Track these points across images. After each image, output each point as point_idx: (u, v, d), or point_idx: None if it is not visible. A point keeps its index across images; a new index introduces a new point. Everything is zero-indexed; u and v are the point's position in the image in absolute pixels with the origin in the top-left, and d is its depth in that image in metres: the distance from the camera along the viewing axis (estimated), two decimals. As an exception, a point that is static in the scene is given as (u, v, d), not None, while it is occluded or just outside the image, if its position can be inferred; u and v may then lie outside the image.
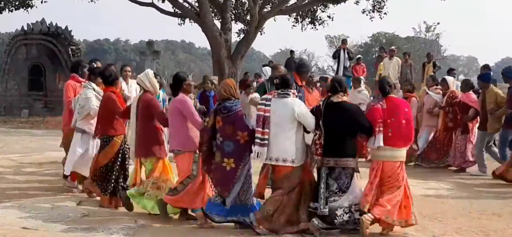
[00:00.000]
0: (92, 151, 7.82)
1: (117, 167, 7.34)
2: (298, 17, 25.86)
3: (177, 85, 6.79)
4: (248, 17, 24.57)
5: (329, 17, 25.62)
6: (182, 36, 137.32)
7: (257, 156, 6.20)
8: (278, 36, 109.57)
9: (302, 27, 26.22)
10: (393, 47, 19.93)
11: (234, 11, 25.32)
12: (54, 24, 24.39)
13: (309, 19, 25.86)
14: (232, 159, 6.27)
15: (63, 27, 24.54)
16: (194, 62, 74.73)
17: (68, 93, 8.31)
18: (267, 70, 12.20)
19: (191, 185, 6.50)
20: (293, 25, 26.23)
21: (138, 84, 7.25)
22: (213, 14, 22.96)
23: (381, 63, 18.50)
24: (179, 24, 25.51)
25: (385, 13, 24.35)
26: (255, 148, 6.22)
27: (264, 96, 6.51)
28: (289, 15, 25.46)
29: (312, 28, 26.14)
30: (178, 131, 6.65)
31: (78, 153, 7.83)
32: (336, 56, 19.28)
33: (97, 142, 7.70)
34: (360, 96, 12.22)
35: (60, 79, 7.39)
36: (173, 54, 79.37)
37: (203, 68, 67.11)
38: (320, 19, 25.83)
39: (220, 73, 19.97)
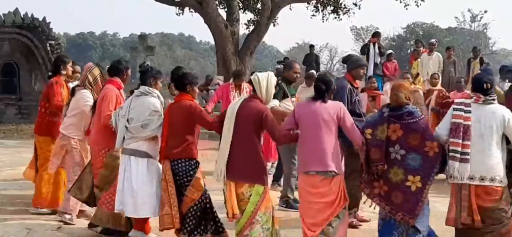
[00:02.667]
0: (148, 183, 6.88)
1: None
2: (319, 5, 25.89)
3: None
4: (259, 6, 24.62)
5: (355, 4, 25.68)
6: (181, 29, 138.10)
7: (454, 172, 5.96)
8: (294, 28, 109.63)
9: (323, 17, 26.26)
10: (433, 40, 19.81)
11: (242, -1, 25.38)
12: (29, 15, 24.47)
13: (332, 8, 25.88)
14: (419, 176, 5.98)
15: (40, 19, 24.63)
16: (194, 59, 74.88)
17: (109, 105, 7.20)
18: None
19: None
20: (313, 15, 26.28)
21: (250, 82, 6.49)
22: (217, 2, 23.03)
23: (417, 59, 18.41)
24: (177, 14, 25.60)
25: (422, 0, 24.31)
26: (452, 163, 5.96)
27: (461, 101, 6.29)
28: (308, 3, 25.47)
29: (335, 18, 26.17)
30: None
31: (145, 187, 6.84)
32: (364, 51, 19.15)
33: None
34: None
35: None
36: (169, 49, 79.57)
37: (206, 66, 67.41)
38: (345, 8, 25.86)
39: (226, 71, 20.03)
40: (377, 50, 18.59)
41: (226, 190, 6.18)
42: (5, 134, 19.94)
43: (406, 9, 24.61)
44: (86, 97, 7.70)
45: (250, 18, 26.39)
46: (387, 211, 6.08)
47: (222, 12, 22.59)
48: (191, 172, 6.48)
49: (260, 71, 6.70)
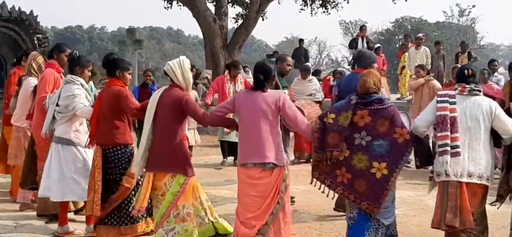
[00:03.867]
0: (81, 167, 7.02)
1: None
2: (307, -1, 25.90)
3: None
4: (247, 0, 24.61)
5: (344, -1, 25.66)
6: (169, 23, 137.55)
7: (447, 167, 5.57)
8: (283, 22, 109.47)
9: (311, 11, 26.27)
10: (420, 34, 19.89)
11: (231, -7, 25.35)
12: (16, 8, 24.36)
13: (320, 2, 25.89)
14: (385, 163, 5.63)
15: (28, 12, 24.52)
16: (183, 53, 74.41)
17: (46, 86, 7.38)
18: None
19: None
20: (301, 9, 26.28)
21: (165, 73, 6.37)
22: (206, -4, 23.00)
23: (405, 53, 18.51)
24: (165, 8, 25.56)
25: (410, -6, 24.39)
26: (443, 158, 5.59)
27: (445, 92, 5.93)
28: (296, -3, 25.50)
29: (324, 12, 26.19)
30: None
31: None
32: (353, 45, 19.32)
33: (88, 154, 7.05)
34: (311, 87, 12.86)
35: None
36: (158, 43, 79.41)
37: (194, 59, 67.14)
38: (333, 2, 25.87)
39: (214, 65, 20.06)
40: (365, 45, 18.72)
41: (144, 181, 6.10)
42: (-7, 128, 19.82)
43: (395, 3, 24.65)
44: (32, 83, 7.97)
45: (239, 12, 26.39)
46: (351, 200, 5.73)
47: (211, 6, 22.57)
48: (126, 159, 6.60)
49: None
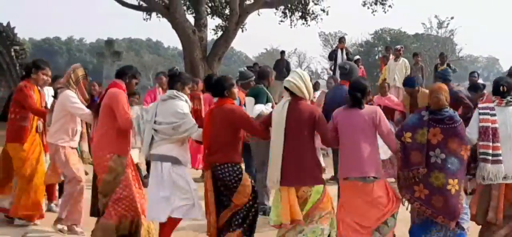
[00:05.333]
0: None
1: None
2: (287, 11, 26.05)
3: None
4: (227, 11, 24.66)
5: (323, 10, 25.89)
6: (148, 34, 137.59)
7: (487, 173, 6.19)
8: (262, 34, 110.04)
9: (291, 22, 26.41)
10: (398, 46, 20.00)
11: (210, 4, 25.38)
12: (-7, 20, 24.16)
13: (300, 13, 26.04)
14: (457, 179, 6.04)
15: (5, 24, 24.35)
16: (162, 65, 74.37)
17: (126, 108, 6.83)
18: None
19: None
20: (281, 21, 26.40)
21: (286, 88, 6.28)
22: (185, 8, 23.01)
23: (386, 65, 18.60)
24: (144, 19, 25.54)
25: (389, 6, 24.65)
26: (483, 165, 6.19)
27: (485, 105, 6.48)
28: (276, 9, 25.59)
29: (303, 24, 26.33)
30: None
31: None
32: (332, 57, 19.36)
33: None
34: None
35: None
36: (137, 54, 79.22)
37: (174, 72, 67.06)
38: (313, 13, 26.03)
39: (194, 77, 19.94)
40: (344, 56, 18.76)
41: (281, 197, 6.06)
42: (-32, 141, 19.60)
43: (374, 15, 24.86)
44: (72, 97, 7.28)
45: (218, 24, 26.43)
46: (427, 214, 6.09)
47: (190, 18, 22.57)
48: (236, 178, 6.32)
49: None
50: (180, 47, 23.95)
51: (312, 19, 26.06)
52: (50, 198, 8.55)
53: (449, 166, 6.00)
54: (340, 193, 6.36)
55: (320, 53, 74.12)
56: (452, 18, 58.81)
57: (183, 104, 6.63)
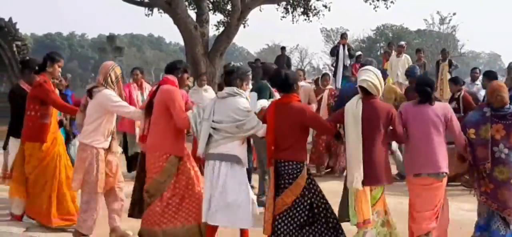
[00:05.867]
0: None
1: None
2: (289, 6, 25.96)
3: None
4: (229, 7, 24.61)
5: (325, 6, 25.77)
6: (150, 30, 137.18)
7: None
8: (264, 30, 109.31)
9: (293, 18, 26.33)
10: (402, 42, 19.99)
11: (212, 0, 25.33)
12: (-5, 15, 24.22)
13: (302, 9, 25.95)
14: None
15: (6, 19, 24.36)
16: (164, 60, 74.32)
17: (182, 107, 6.68)
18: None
19: None
20: (283, 17, 26.34)
21: (361, 86, 6.21)
22: (187, 3, 22.97)
23: (388, 61, 18.58)
24: (146, 15, 25.51)
25: (391, 2, 24.54)
26: None
27: None
28: (278, 4, 25.54)
29: (305, 19, 26.25)
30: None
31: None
32: (334, 53, 19.32)
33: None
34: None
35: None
36: (139, 50, 79.30)
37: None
38: (315, 9, 25.95)
39: (196, 73, 19.93)
40: (346, 52, 18.73)
41: (359, 196, 6.08)
42: (-30, 137, 19.62)
43: (376, 11, 24.93)
44: (113, 96, 6.93)
45: (220, 19, 26.40)
46: (494, 208, 6.27)
47: (192, 13, 22.52)
48: (294, 175, 6.14)
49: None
50: (182, 42, 23.92)
51: (314, 15, 26.00)
52: None
53: (511, 160, 6.23)
54: (409, 188, 6.41)
55: (322, 49, 74.17)
56: (454, 14, 58.52)
57: (245, 101, 6.52)
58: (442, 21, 52.75)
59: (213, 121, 6.38)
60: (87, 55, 73.28)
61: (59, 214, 7.51)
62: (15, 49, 23.92)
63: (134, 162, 10.87)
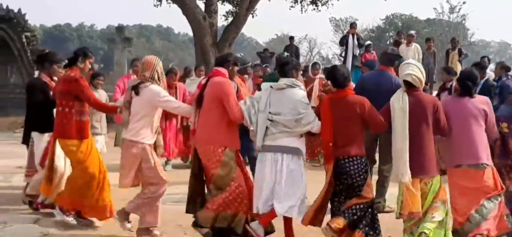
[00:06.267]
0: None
1: None
2: (298, -4, 25.88)
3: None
4: (237, -3, 24.56)
5: (334, -4, 25.68)
6: (159, 20, 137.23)
7: None
8: (273, 20, 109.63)
9: (302, 8, 26.23)
10: (412, 31, 19.95)
11: (220, -10, 25.29)
12: (4, 7, 24.25)
13: (311, -1, 25.89)
14: None
15: (16, 10, 24.40)
16: (173, 51, 74.63)
17: (235, 99, 6.58)
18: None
19: None
20: (291, 6, 26.24)
21: (406, 80, 6.21)
22: (195, -7, 22.93)
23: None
24: (154, 5, 25.44)
25: (401, -9, 24.40)
26: None
27: None
28: (287, -6, 25.48)
29: (314, 9, 26.15)
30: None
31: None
32: (343, 42, 19.32)
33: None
34: None
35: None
36: (148, 41, 79.23)
37: (184, 57, 67.16)
38: (324, -1, 25.87)
39: (205, 63, 19.96)
40: (355, 42, 18.73)
41: (408, 188, 6.05)
42: (-20, 127, 19.73)
43: (385, 0, 24.70)
44: (161, 92, 6.79)
45: (229, 10, 26.32)
46: None
47: (201, 4, 22.48)
48: (364, 170, 6.16)
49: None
50: (190, 33, 23.91)
51: (323, 5, 25.89)
52: None
53: None
54: (449, 180, 6.43)
55: (331, 39, 74.01)
56: (464, 2, 58.23)
57: (304, 93, 6.42)
58: (451, 10, 52.45)
59: (269, 113, 6.28)
60: (96, 46, 73.16)
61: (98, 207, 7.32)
62: (24, 40, 23.94)
63: None
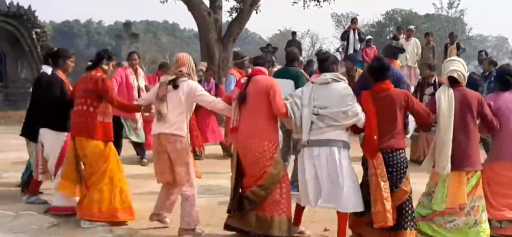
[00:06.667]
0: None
1: None
2: (300, -8, 25.84)
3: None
4: (241, -7, 24.53)
5: (336, -8, 25.65)
6: (165, 16, 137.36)
7: None
8: (276, 15, 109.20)
9: (304, 4, 26.13)
10: (411, 26, 19.96)
11: (225, -13, 25.26)
12: (15, 4, 24.29)
13: (313, -5, 25.84)
14: None
15: (26, 7, 24.44)
16: (179, 46, 74.26)
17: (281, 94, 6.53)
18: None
19: None
20: (294, 2, 26.17)
21: (451, 76, 6.27)
22: (200, -10, 22.92)
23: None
24: (161, 2, 25.38)
25: (401, -13, 24.35)
26: None
27: None
28: (289, -10, 25.44)
29: (316, 5, 26.06)
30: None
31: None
32: (344, 37, 19.31)
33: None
34: None
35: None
36: (154, 36, 79.05)
37: (190, 52, 66.57)
38: (325, -5, 25.83)
39: (210, 58, 19.97)
40: (356, 37, 18.73)
41: (453, 181, 6.12)
42: (-9, 121, 19.80)
43: (385, -4, 24.64)
44: (198, 87, 6.79)
45: (233, 6, 26.21)
46: None
47: (206, 0, 22.49)
48: (405, 163, 6.09)
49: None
50: (196, 28, 23.87)
51: (325, 0, 25.87)
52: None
53: None
54: (491, 175, 6.50)
55: (333, 34, 73.87)
56: (462, -3, 58.40)
57: (348, 87, 6.32)
58: (450, 5, 52.20)
59: (314, 106, 6.18)
60: (104, 42, 73.07)
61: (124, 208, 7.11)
62: (34, 36, 24.02)
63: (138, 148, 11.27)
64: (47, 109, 7.62)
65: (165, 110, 6.60)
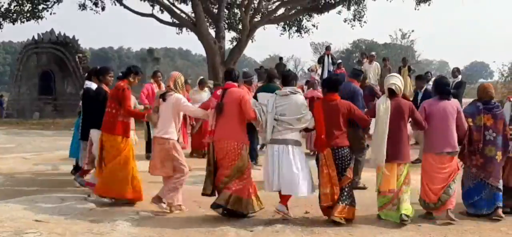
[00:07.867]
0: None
1: None
2: (286, 26, 25.94)
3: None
4: (240, 27, 24.57)
5: (314, 25, 25.82)
6: (180, 44, 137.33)
7: None
8: (267, 43, 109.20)
9: (289, 35, 26.31)
10: (373, 52, 20.06)
11: (227, 21, 25.31)
12: (62, 34, 24.32)
13: (296, 28, 25.95)
14: (500, 152, 6.58)
15: (71, 36, 24.46)
16: (191, 68, 74.37)
17: (250, 100, 6.68)
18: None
19: None
20: (281, 33, 26.31)
21: (390, 88, 6.37)
22: (208, 24, 22.96)
23: (361, 67, 18.54)
24: (177, 33, 25.52)
25: (365, 22, 24.51)
26: None
27: None
28: (277, 24, 25.53)
29: (298, 36, 26.23)
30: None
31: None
32: (320, 61, 19.32)
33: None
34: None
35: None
36: (171, 60, 79.08)
37: (199, 73, 66.88)
38: (306, 28, 25.96)
39: (215, 77, 19.96)
40: (330, 60, 18.73)
41: (385, 171, 6.19)
42: (44, 126, 19.74)
43: (353, 29, 24.81)
44: (183, 99, 6.80)
45: (233, 36, 26.38)
46: (481, 177, 6.57)
47: (212, 31, 22.52)
48: (349, 157, 6.24)
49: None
50: (204, 54, 23.92)
51: (305, 32, 26.00)
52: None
53: (497, 142, 6.54)
54: (425, 164, 6.54)
55: (311, 58, 73.80)
56: (412, 31, 58.68)
57: (303, 98, 6.45)
58: (403, 36, 52.33)
59: (276, 114, 6.27)
60: (132, 64, 73.11)
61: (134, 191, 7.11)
62: (77, 59, 24.05)
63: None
64: (96, 114, 7.50)
65: (156, 119, 6.78)
